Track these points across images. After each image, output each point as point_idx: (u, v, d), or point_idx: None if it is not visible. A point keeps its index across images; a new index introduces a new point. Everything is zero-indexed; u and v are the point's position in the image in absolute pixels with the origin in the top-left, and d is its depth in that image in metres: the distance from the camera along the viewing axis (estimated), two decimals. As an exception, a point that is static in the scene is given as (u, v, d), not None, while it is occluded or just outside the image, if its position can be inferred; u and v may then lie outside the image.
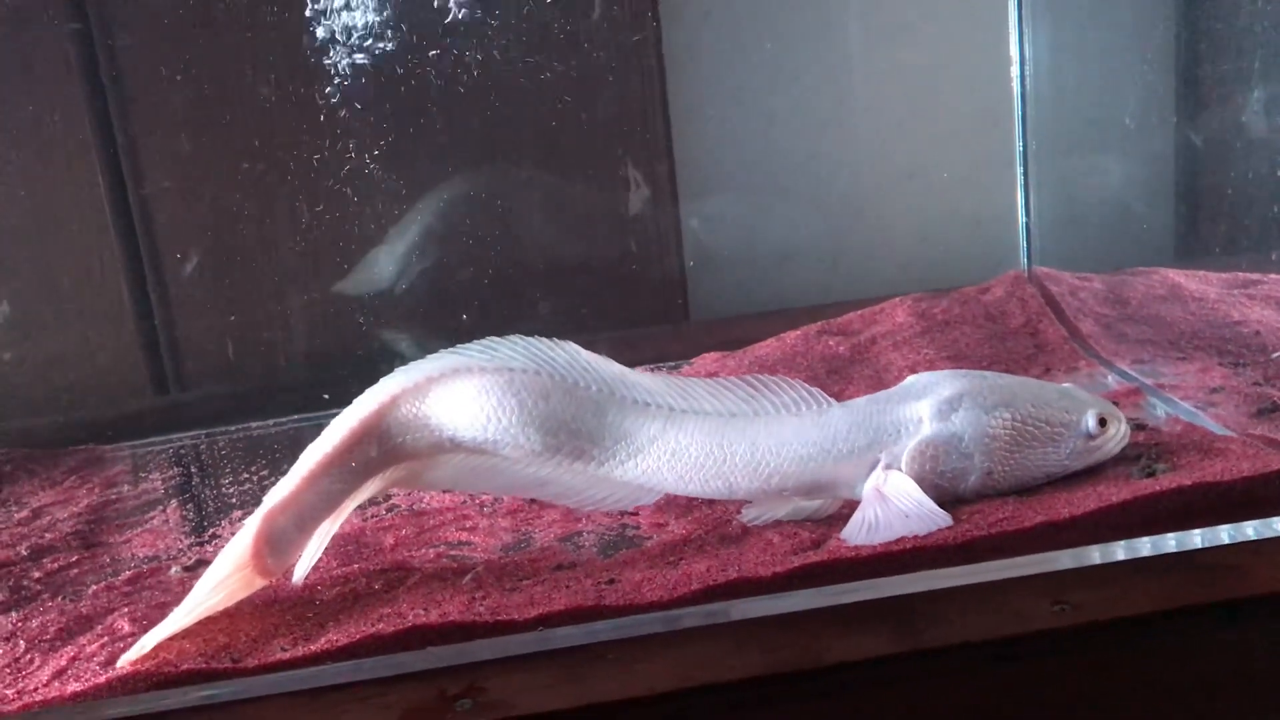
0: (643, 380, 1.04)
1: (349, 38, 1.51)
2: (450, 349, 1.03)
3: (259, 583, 0.98)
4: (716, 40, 1.73)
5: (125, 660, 0.89)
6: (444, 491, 1.23)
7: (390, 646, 0.89)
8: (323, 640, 0.90)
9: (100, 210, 1.58)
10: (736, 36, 1.74)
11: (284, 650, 0.90)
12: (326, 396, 1.37)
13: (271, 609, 0.98)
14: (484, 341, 1.03)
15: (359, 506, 1.19)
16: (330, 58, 1.51)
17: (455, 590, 0.97)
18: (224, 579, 0.96)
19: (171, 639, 0.92)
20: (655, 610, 0.90)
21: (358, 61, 1.52)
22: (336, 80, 1.52)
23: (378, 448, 1.00)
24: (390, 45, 1.52)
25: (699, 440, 1.01)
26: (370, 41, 1.51)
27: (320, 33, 1.50)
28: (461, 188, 1.63)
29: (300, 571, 0.99)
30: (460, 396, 1.01)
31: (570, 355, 1.03)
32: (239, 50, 1.53)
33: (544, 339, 1.04)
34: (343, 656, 0.89)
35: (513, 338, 1.03)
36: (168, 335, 1.63)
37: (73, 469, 1.45)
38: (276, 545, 0.97)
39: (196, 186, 1.59)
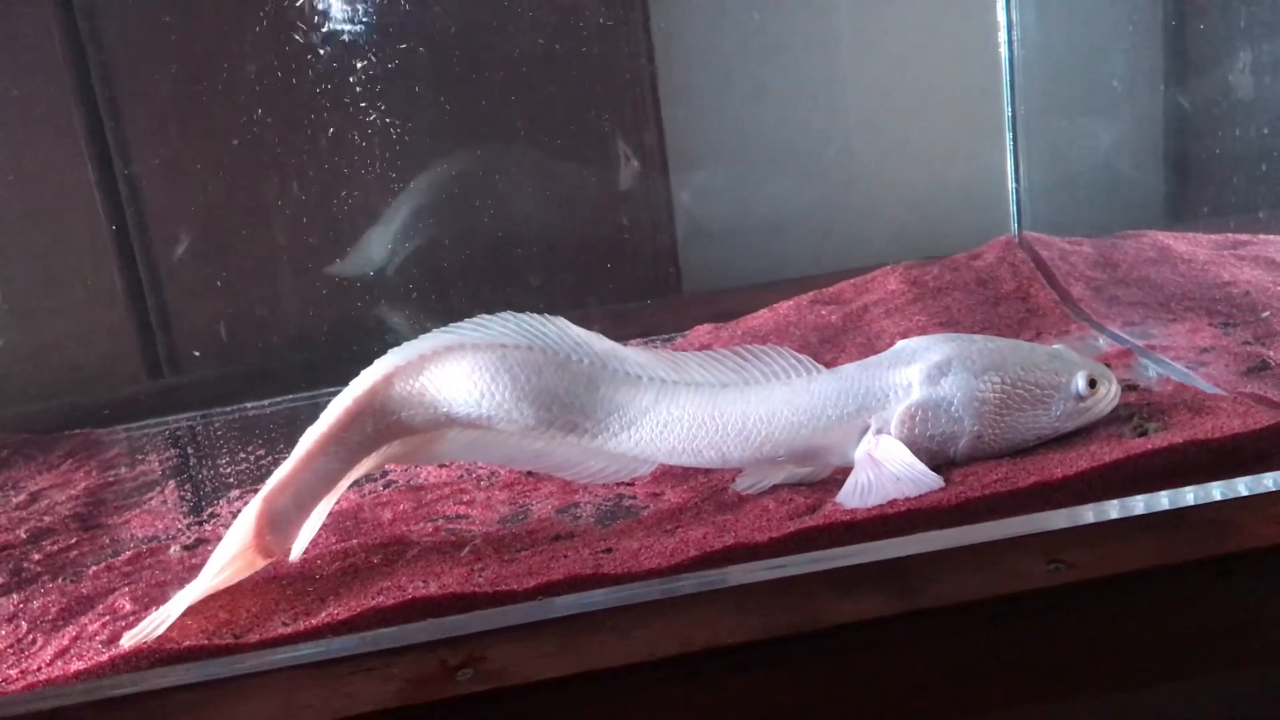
0: (634, 354, 1.05)
1: (338, 14, 1.50)
2: (443, 327, 1.04)
3: (260, 562, 0.99)
4: (704, 11, 1.73)
5: (129, 640, 0.90)
6: (440, 466, 1.24)
7: (391, 619, 0.90)
8: (323, 614, 0.91)
9: (90, 194, 1.58)
10: (724, 7, 1.73)
11: (285, 625, 0.91)
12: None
13: (271, 585, 0.98)
14: (476, 319, 1.04)
15: (356, 483, 1.19)
16: (320, 35, 1.51)
17: (454, 562, 0.98)
18: (228, 560, 0.97)
19: (172, 617, 0.93)
20: (653, 578, 0.91)
21: (347, 38, 1.51)
22: (326, 58, 1.52)
23: (373, 425, 1.01)
24: (379, 21, 1.52)
25: (691, 411, 1.02)
26: (359, 18, 1.51)
27: (309, 9, 1.50)
28: (453, 166, 1.63)
29: (298, 548, 1.00)
30: (454, 373, 1.01)
31: (561, 330, 1.04)
32: (227, 29, 1.53)
33: (535, 315, 1.04)
34: (344, 630, 0.89)
35: (504, 314, 1.04)
36: (161, 318, 1.63)
37: (69, 453, 1.45)
38: (277, 524, 0.98)
39: (187, 167, 1.59)
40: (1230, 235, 1.51)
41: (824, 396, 1.01)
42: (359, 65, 1.53)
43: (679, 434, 1.02)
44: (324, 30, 1.51)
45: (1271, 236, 1.49)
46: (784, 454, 1.02)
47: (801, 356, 1.04)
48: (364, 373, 1.02)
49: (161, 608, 0.92)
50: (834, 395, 1.01)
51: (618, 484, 1.13)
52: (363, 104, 1.55)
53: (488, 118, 1.63)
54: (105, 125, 1.56)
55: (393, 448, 1.04)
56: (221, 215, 1.60)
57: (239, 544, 0.97)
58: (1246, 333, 1.26)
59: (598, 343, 1.04)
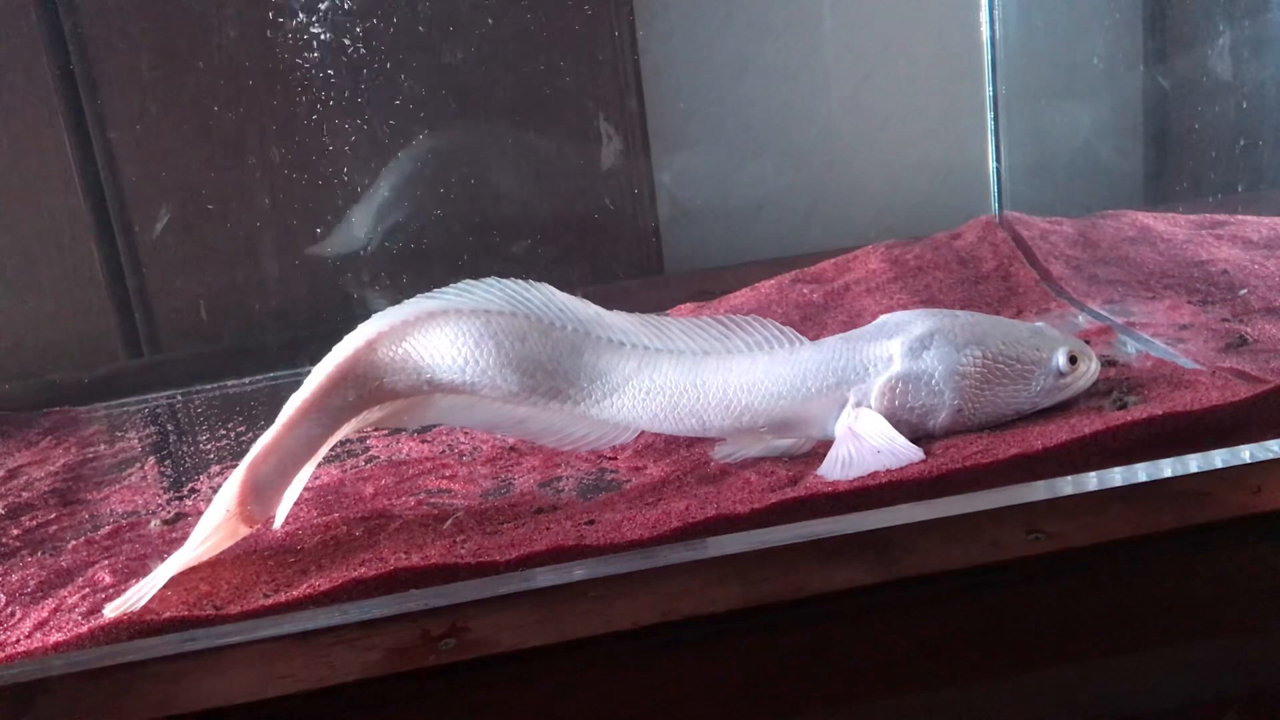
0: (618, 320, 1.05)
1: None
2: (426, 293, 1.03)
3: (243, 531, 0.99)
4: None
5: (111, 610, 0.89)
6: (422, 441, 1.23)
7: (373, 590, 0.90)
8: (305, 586, 0.90)
9: (68, 171, 1.57)
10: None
11: (266, 597, 0.90)
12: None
13: (252, 558, 0.98)
14: (460, 284, 1.03)
15: (338, 458, 1.19)
16: (300, 9, 1.50)
17: (436, 535, 0.98)
18: (211, 530, 0.96)
19: (152, 588, 0.92)
20: (636, 549, 0.91)
21: (327, 13, 1.50)
22: (307, 36, 1.51)
23: (355, 391, 1.00)
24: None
25: (673, 378, 1.02)
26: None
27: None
28: (435, 145, 1.63)
29: (280, 515, 1.00)
30: (437, 339, 1.01)
31: (545, 296, 1.04)
32: (206, 3, 1.52)
33: (519, 281, 1.04)
34: (325, 601, 0.89)
35: (488, 280, 1.03)
36: (139, 296, 1.62)
37: (48, 430, 1.44)
38: (260, 491, 0.98)
39: (165, 145, 1.58)
40: (1209, 215, 1.52)
41: (805, 368, 1.01)
42: (339, 41, 1.52)
43: (661, 401, 1.02)
44: (304, 5, 1.50)
45: (1248, 217, 1.50)
46: (764, 424, 1.02)
47: (784, 328, 1.04)
48: (347, 338, 1.02)
49: (145, 578, 0.92)
50: (814, 367, 1.01)
51: (600, 458, 1.13)
52: (343, 80, 1.54)
53: (469, 96, 1.63)
54: (83, 101, 1.55)
55: (373, 412, 1.03)
56: (201, 192, 1.59)
57: (222, 513, 0.96)
58: (1225, 310, 1.27)
59: (582, 309, 1.04)
